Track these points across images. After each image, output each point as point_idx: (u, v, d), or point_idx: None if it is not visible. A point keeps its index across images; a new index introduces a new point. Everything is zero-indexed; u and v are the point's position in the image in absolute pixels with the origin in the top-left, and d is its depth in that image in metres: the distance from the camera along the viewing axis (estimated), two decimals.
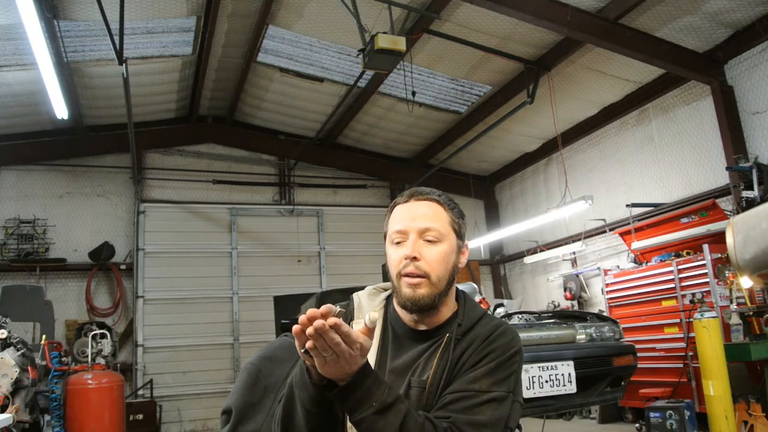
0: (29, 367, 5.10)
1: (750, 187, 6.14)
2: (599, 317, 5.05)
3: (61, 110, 6.35)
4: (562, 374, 4.22)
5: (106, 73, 7.51)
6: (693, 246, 6.60)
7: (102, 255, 9.03)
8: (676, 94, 7.56)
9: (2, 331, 5.02)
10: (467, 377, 1.39)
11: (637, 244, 7.30)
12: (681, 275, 6.39)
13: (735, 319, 5.51)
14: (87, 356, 6.37)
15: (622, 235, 7.80)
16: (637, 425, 6.22)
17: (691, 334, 5.72)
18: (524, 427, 3.21)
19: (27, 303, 7.20)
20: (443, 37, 6.97)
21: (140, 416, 7.70)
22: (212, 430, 8.91)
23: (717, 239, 6.00)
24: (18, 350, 5.03)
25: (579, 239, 8.94)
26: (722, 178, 6.77)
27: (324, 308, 1.16)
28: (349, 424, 1.34)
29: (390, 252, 1.51)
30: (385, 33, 5.49)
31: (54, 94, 5.96)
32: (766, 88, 6.44)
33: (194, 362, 9.17)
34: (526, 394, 4.02)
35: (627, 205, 7.60)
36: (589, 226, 8.73)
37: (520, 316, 5.14)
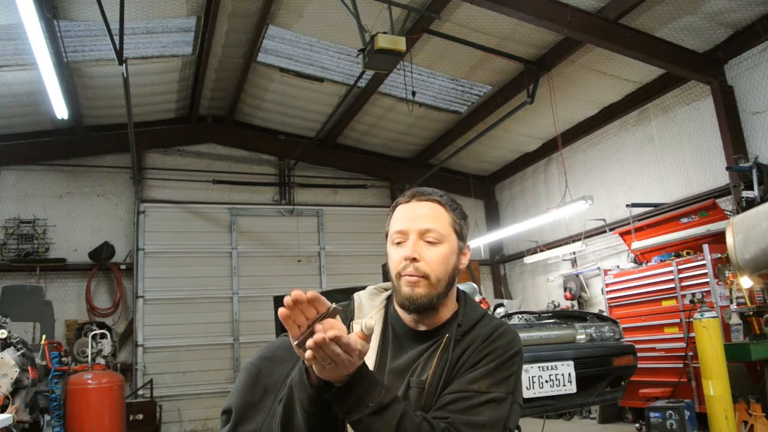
0: (29, 367, 5.10)
1: (750, 187, 6.14)
2: (599, 317, 5.05)
3: (61, 110, 6.35)
4: (562, 374, 4.22)
5: (106, 73, 7.51)
6: (693, 246, 6.60)
7: (102, 255, 9.03)
8: (676, 94, 7.56)
9: (2, 331, 5.01)
10: (466, 378, 1.39)
11: (637, 244, 7.30)
12: (681, 275, 6.39)
13: (735, 319, 5.51)
14: (87, 356, 6.37)
15: (622, 235, 7.80)
16: (637, 425, 6.22)
17: (691, 334, 5.72)
18: (524, 427, 3.21)
19: (27, 303, 7.20)
20: (443, 37, 6.97)
21: (140, 416, 7.70)
22: (212, 430, 8.91)
23: (717, 239, 6.00)
24: (18, 350, 5.03)
25: (579, 239, 8.94)
26: (722, 178, 6.77)
27: (311, 294, 1.16)
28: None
29: (390, 252, 1.51)
30: (385, 33, 5.49)
31: (54, 94, 5.96)
32: (766, 88, 6.44)
33: (194, 362, 9.17)
34: (526, 394, 4.02)
35: (627, 205, 7.60)
36: (589, 226, 8.73)
37: (520, 316, 5.14)
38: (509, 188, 11.25)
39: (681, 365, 6.21)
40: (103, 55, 7.13)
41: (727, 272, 5.87)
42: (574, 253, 9.31)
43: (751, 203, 5.93)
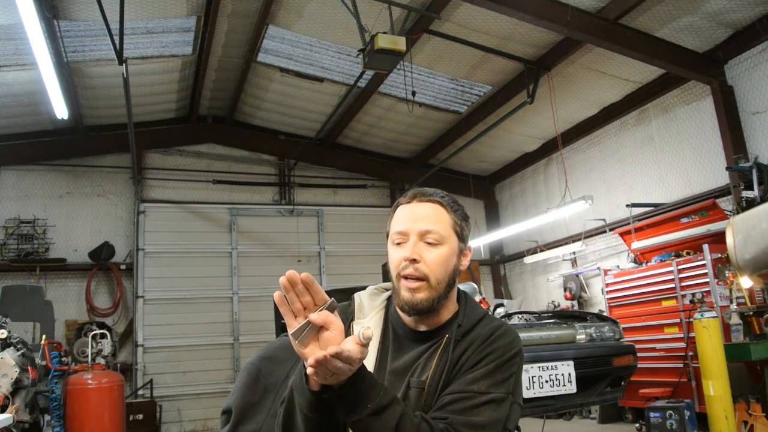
0: (29, 367, 5.10)
1: (750, 187, 6.14)
2: (599, 317, 5.05)
3: (61, 110, 6.35)
4: (562, 374, 4.22)
5: (106, 73, 7.51)
6: (693, 246, 6.60)
7: (102, 255, 9.03)
8: (676, 94, 7.56)
9: (2, 331, 5.01)
10: (466, 378, 1.39)
11: (637, 244, 7.30)
12: (681, 275, 6.39)
13: (735, 319, 5.51)
14: (87, 356, 6.37)
15: (622, 235, 7.80)
16: (637, 425, 6.22)
17: (691, 334, 5.72)
18: (524, 427, 3.21)
19: (27, 303, 7.20)
20: (443, 37, 6.97)
21: (140, 416, 7.70)
22: (212, 430, 8.91)
23: (717, 239, 6.00)
24: (18, 350, 5.03)
25: (579, 239, 8.94)
26: (722, 178, 6.77)
27: (305, 275, 1.18)
28: None
29: (391, 252, 1.51)
30: (385, 33, 5.49)
31: (54, 94, 5.96)
32: (766, 88, 6.44)
33: (194, 362, 9.17)
34: (526, 394, 4.02)
35: (627, 205, 7.60)
36: (589, 226, 8.73)
37: (520, 316, 5.14)
38: (509, 188, 11.25)
39: (681, 365, 6.21)
40: (103, 55, 7.13)
41: (727, 272, 5.87)
42: (574, 253, 9.31)
43: (751, 203, 5.93)
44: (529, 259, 10.00)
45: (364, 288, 1.68)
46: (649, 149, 7.99)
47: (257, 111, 9.66)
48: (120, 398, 6.31)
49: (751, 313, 5.47)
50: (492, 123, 8.58)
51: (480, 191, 11.41)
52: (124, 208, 9.50)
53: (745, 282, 5.32)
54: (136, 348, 8.92)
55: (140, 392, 8.64)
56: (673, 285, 6.47)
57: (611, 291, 7.39)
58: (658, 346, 6.56)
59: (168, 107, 9.25)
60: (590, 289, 9.00)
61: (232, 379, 9.09)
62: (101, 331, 6.53)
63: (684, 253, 6.66)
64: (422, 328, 1.51)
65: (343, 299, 1.62)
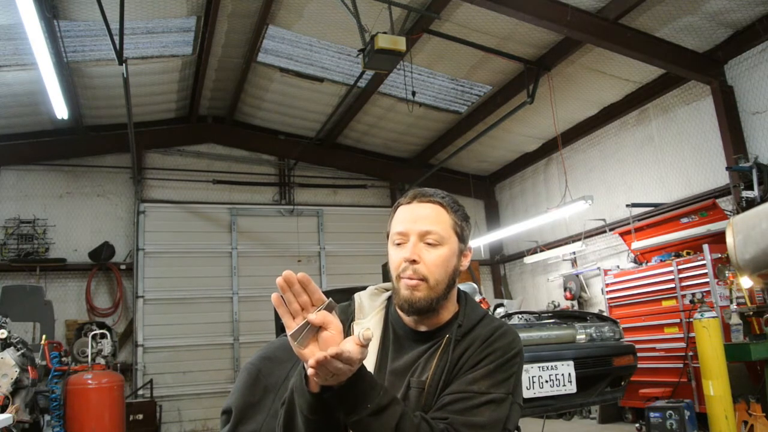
0: (29, 367, 5.10)
1: (750, 187, 6.14)
2: (599, 317, 5.05)
3: (61, 110, 6.35)
4: (562, 374, 4.22)
5: (106, 73, 7.51)
6: (693, 246, 6.60)
7: (102, 255, 9.03)
8: (676, 94, 7.56)
9: (2, 331, 5.01)
10: (466, 378, 1.39)
11: (637, 244, 7.30)
12: (681, 275, 6.39)
13: (735, 319, 5.51)
14: (87, 356, 6.37)
15: (622, 235, 7.80)
16: (637, 425, 6.22)
17: (691, 334, 5.72)
18: (524, 427, 3.21)
19: (27, 303, 7.20)
20: (443, 37, 6.97)
21: (140, 416, 7.70)
22: (212, 430, 8.91)
23: (717, 239, 6.00)
24: (18, 350, 5.03)
25: (579, 239, 8.94)
26: (722, 178, 6.77)
27: (301, 275, 1.18)
28: None
29: (391, 253, 1.51)
30: (385, 33, 5.49)
31: (54, 94, 5.96)
32: (766, 88, 6.44)
33: (194, 362, 9.17)
34: (526, 394, 4.02)
35: (627, 205, 7.60)
36: (589, 226, 8.73)
37: (520, 316, 5.14)
38: (509, 188, 11.25)
39: (681, 365, 6.21)
40: (103, 55, 7.13)
41: (727, 272, 5.86)
42: (574, 253, 9.31)
43: (751, 203, 5.93)
44: (529, 259, 10.00)
45: (364, 288, 1.68)
46: (649, 149, 7.99)
47: (257, 111, 9.66)
48: (120, 398, 6.31)
49: (751, 313, 5.47)
50: (492, 123, 8.58)
51: (480, 191, 11.41)
52: (124, 208, 9.50)
53: (745, 282, 5.32)
54: (136, 348, 8.92)
55: (140, 392, 8.64)
56: (673, 285, 6.47)
57: (611, 291, 7.39)
58: (658, 346, 6.56)
59: (168, 107, 9.25)
60: (590, 289, 9.00)
61: (232, 379, 9.09)
62: (101, 331, 6.53)
63: (684, 253, 6.66)
64: (422, 328, 1.51)
65: (342, 299, 1.62)
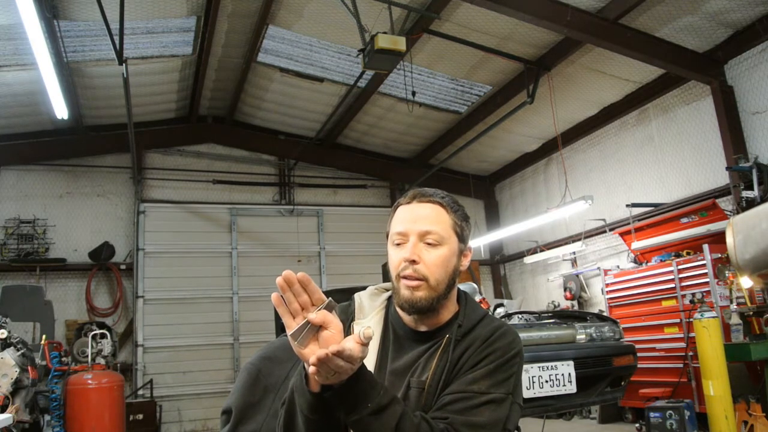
0: (29, 367, 5.10)
1: (750, 187, 6.14)
2: (599, 317, 5.05)
3: (61, 110, 6.35)
4: (562, 374, 4.22)
5: (106, 73, 7.51)
6: (693, 246, 6.60)
7: (102, 255, 9.03)
8: (676, 94, 7.56)
9: (2, 331, 5.02)
10: (466, 378, 1.39)
11: (637, 244, 7.30)
12: (681, 275, 6.39)
13: (735, 319, 5.51)
14: (87, 356, 6.37)
15: (622, 235, 7.80)
16: (637, 425, 6.22)
17: (691, 334, 5.72)
18: (524, 427, 3.21)
19: (27, 303, 7.20)
20: (443, 37, 6.97)
21: (140, 416, 7.71)
22: (212, 430, 8.91)
23: (717, 239, 6.00)
24: (18, 350, 5.03)
25: (579, 239, 8.94)
26: (722, 178, 6.77)
27: (301, 275, 1.18)
28: None
29: (391, 253, 1.51)
30: (385, 33, 5.49)
31: (54, 94, 5.96)
32: (766, 88, 6.44)
33: (194, 362, 9.17)
34: (526, 394, 4.02)
35: (627, 205, 7.60)
36: (589, 226, 8.73)
37: (520, 316, 5.15)
38: (509, 188, 11.25)
39: (681, 365, 6.21)
40: (103, 55, 7.13)
41: (727, 272, 5.86)
42: (574, 253, 9.31)
43: (751, 203, 5.93)
44: (529, 259, 10.00)
45: (364, 288, 1.68)
46: (649, 149, 7.99)
47: (257, 111, 9.66)
48: (120, 398, 6.31)
49: (751, 313, 5.47)
50: (492, 123, 8.58)
51: (480, 191, 11.41)
52: (124, 208, 9.50)
53: (745, 282, 5.32)
54: (136, 348, 8.92)
55: (140, 392, 8.64)
56: (673, 285, 6.47)
57: (611, 291, 7.39)
58: (658, 346, 6.56)
59: (168, 107, 9.25)
60: (590, 289, 9.00)
61: (232, 379, 9.09)
62: (101, 331, 6.53)
63: (684, 253, 6.66)
64: (422, 328, 1.51)
65: (342, 299, 1.62)
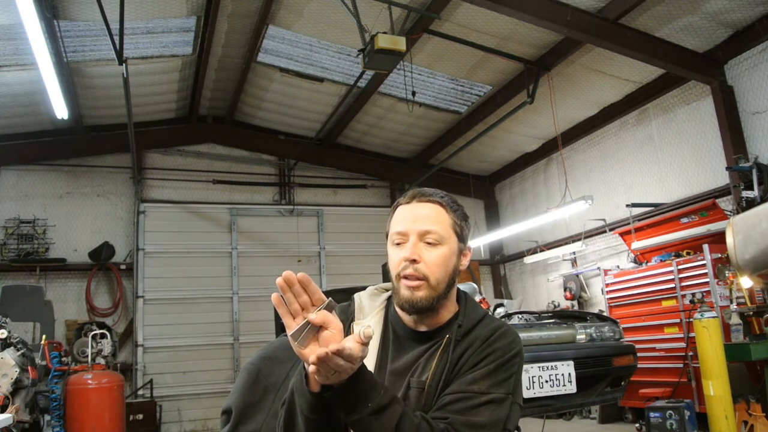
0: (29, 367, 5.10)
1: (750, 187, 6.13)
2: (599, 317, 5.05)
3: (61, 110, 6.35)
4: (562, 374, 4.22)
5: (106, 73, 7.51)
6: (693, 246, 6.60)
7: (102, 255, 9.03)
8: (676, 94, 7.56)
9: (2, 331, 5.02)
10: (466, 378, 1.39)
11: (637, 244, 7.30)
12: (681, 275, 6.39)
13: (735, 319, 5.51)
14: (87, 356, 6.37)
15: (622, 235, 7.80)
16: (637, 425, 6.22)
17: (691, 334, 5.72)
18: (524, 427, 3.21)
19: (27, 303, 7.20)
20: (443, 37, 6.97)
21: (140, 416, 7.71)
22: (212, 430, 8.91)
23: (717, 239, 6.00)
24: (18, 350, 5.03)
25: (579, 239, 8.94)
26: (722, 178, 6.77)
27: (301, 275, 1.18)
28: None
29: (390, 253, 1.51)
30: (385, 33, 5.49)
31: (54, 94, 5.96)
32: (766, 88, 6.44)
33: (194, 362, 9.17)
34: (526, 394, 4.02)
35: (627, 205, 7.60)
36: (589, 226, 8.73)
37: (520, 316, 5.14)
38: (509, 188, 11.25)
39: (681, 365, 6.21)
40: (103, 55, 7.13)
41: (727, 272, 5.86)
42: (574, 253, 9.31)
43: (751, 203, 5.93)
44: (529, 259, 10.00)
45: (364, 288, 1.68)
46: (649, 149, 7.99)
47: (257, 111, 9.66)
48: (120, 398, 6.31)
49: (751, 313, 5.47)
50: (492, 123, 8.58)
51: (480, 191, 11.41)
52: (124, 208, 9.50)
53: (745, 282, 5.32)
54: (136, 348, 8.92)
55: (140, 392, 8.64)
56: (673, 285, 6.47)
57: (611, 291, 7.39)
58: (658, 346, 6.56)
59: (168, 107, 9.25)
60: (590, 289, 9.00)
61: (232, 379, 9.09)
62: (101, 331, 6.53)
63: (684, 253, 6.66)
64: (422, 328, 1.51)
65: (342, 299, 1.62)
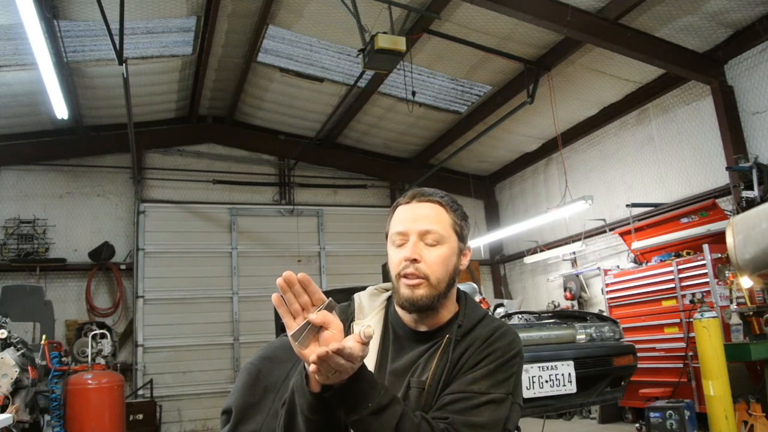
0: (29, 367, 5.10)
1: (750, 187, 6.14)
2: (599, 317, 5.05)
3: (61, 110, 6.36)
4: (562, 374, 4.22)
5: (106, 73, 7.51)
6: (693, 246, 6.60)
7: (102, 255, 9.03)
8: (676, 94, 7.56)
9: (2, 331, 5.02)
10: (466, 378, 1.39)
11: (637, 244, 7.30)
12: (681, 275, 6.39)
13: (735, 319, 5.51)
14: (87, 356, 6.37)
15: (622, 235, 7.80)
16: (637, 425, 6.22)
17: (691, 334, 5.73)
18: (524, 427, 3.21)
19: (27, 303, 7.20)
20: (443, 37, 6.97)
21: (140, 416, 7.71)
22: (212, 430, 8.91)
23: (717, 239, 6.00)
24: (18, 350, 5.03)
25: (579, 239, 8.94)
26: (722, 178, 6.77)
27: (302, 275, 1.18)
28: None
29: (390, 253, 1.51)
30: (385, 33, 5.49)
31: (54, 94, 5.96)
32: (766, 88, 6.44)
33: (194, 362, 9.17)
34: (526, 394, 4.02)
35: (627, 205, 7.60)
36: (589, 226, 8.73)
37: (520, 316, 5.14)
38: (509, 188, 11.25)
39: (681, 365, 6.21)
40: (103, 55, 7.13)
41: (727, 272, 5.86)
42: (574, 253, 9.31)
43: (751, 203, 5.93)
44: (529, 259, 10.00)
45: (364, 288, 1.68)
46: (649, 149, 7.99)
47: (257, 111, 9.66)
48: (120, 398, 6.31)
49: (751, 313, 5.47)
50: (492, 123, 8.58)
51: (480, 191, 11.41)
52: (124, 208, 9.50)
53: (745, 282, 5.32)
54: (136, 348, 8.92)
55: (140, 392, 8.64)
56: (673, 285, 6.47)
57: (611, 291, 7.39)
58: (658, 346, 6.56)
59: (168, 107, 9.25)
60: (590, 289, 9.00)
61: (232, 379, 9.09)
62: (101, 331, 6.53)
63: (684, 253, 6.66)
64: (422, 328, 1.51)
65: (343, 299, 1.62)
